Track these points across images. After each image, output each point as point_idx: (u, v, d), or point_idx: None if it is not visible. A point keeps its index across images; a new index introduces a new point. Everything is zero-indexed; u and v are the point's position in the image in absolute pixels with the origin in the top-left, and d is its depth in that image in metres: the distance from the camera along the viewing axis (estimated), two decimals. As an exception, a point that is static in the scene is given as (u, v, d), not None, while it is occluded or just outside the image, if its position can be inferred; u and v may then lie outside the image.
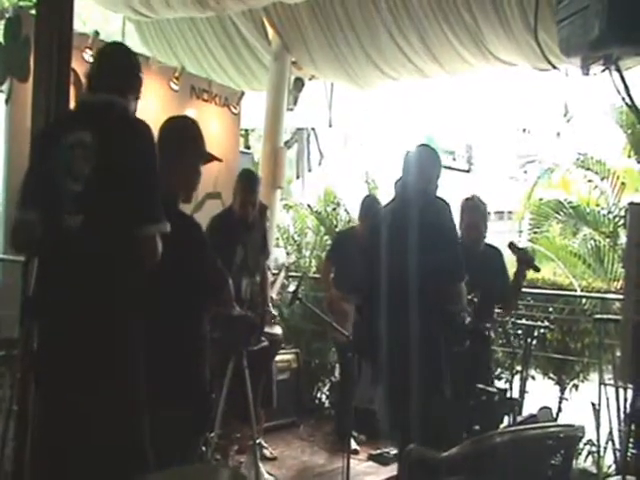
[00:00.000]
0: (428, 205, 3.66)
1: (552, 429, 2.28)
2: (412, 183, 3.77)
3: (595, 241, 5.72)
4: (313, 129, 9.93)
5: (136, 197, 2.39)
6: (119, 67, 2.61)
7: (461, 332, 3.66)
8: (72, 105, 3.11)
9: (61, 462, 2.37)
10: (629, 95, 2.08)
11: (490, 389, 3.38)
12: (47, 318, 2.49)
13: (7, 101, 4.81)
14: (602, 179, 5.79)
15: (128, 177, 2.38)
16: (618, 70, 2.07)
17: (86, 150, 2.38)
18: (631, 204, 3.09)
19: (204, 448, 3.64)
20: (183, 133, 2.89)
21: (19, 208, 2.53)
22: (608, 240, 5.67)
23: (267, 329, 4.32)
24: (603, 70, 2.08)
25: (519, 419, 3.50)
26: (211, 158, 2.99)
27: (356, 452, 5.12)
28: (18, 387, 3.09)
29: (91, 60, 2.70)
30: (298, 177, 10.89)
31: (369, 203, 5.63)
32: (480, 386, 3.33)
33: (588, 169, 5.89)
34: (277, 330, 4.75)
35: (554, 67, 3.94)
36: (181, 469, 2.01)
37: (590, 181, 5.96)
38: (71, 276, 2.39)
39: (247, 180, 4.56)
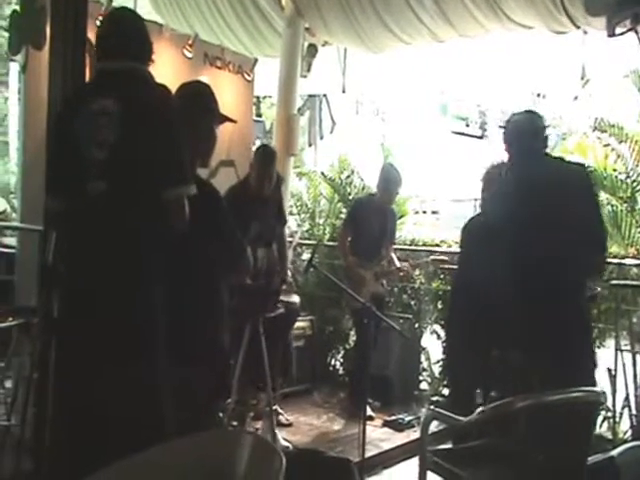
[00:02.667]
0: (563, 170, 3.42)
1: (573, 394, 2.27)
2: (532, 150, 3.45)
3: (612, 206, 5.65)
4: (325, 96, 9.85)
5: (163, 161, 2.39)
6: (132, 33, 2.59)
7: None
8: (88, 73, 3.11)
9: (81, 428, 2.40)
10: (654, 56, 2.03)
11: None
12: (69, 286, 2.50)
13: (23, 69, 4.81)
14: (620, 143, 5.71)
15: (154, 142, 2.38)
16: (644, 30, 2.02)
17: (110, 118, 2.38)
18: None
19: (221, 414, 3.68)
20: (196, 96, 2.89)
21: (48, 195, 2.61)
22: (625, 205, 5.60)
23: (284, 297, 4.33)
24: (628, 30, 2.03)
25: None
26: (225, 119, 2.99)
27: (371, 418, 5.15)
28: (38, 354, 3.12)
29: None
30: (310, 145, 10.85)
31: (388, 170, 5.62)
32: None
33: (605, 132, 5.81)
34: (294, 298, 4.75)
35: (576, 26, 3.85)
36: (203, 434, 2.02)
37: (607, 145, 5.87)
38: (96, 244, 2.40)
39: (265, 155, 4.57)
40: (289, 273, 4.90)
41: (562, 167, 3.46)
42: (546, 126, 3.59)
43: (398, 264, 5.63)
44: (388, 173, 5.56)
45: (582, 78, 5.55)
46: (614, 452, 3.17)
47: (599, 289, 4.30)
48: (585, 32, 4.81)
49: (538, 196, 3.22)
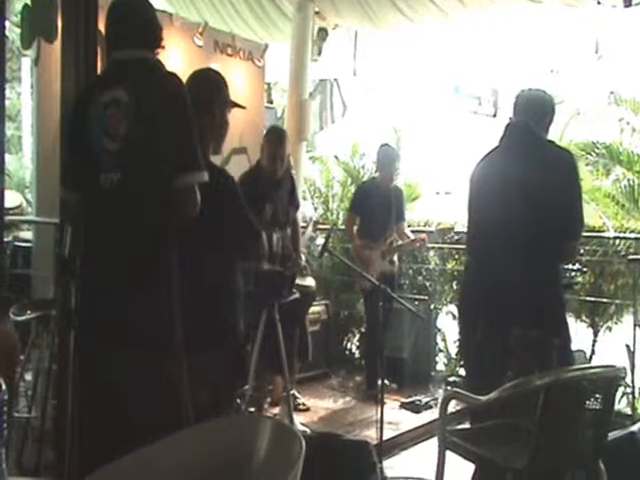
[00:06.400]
0: (548, 154, 3.33)
1: (592, 370, 2.27)
2: (523, 129, 3.37)
3: (628, 180, 5.60)
4: (336, 80, 9.81)
5: (173, 149, 2.39)
6: (139, 19, 2.58)
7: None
8: (100, 64, 3.12)
9: (101, 418, 2.42)
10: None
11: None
12: (86, 277, 2.52)
13: (36, 63, 4.83)
14: (636, 116, 5.66)
15: (165, 130, 2.38)
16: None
17: (120, 108, 2.38)
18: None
19: (239, 401, 3.69)
20: (207, 83, 2.90)
21: (63, 187, 2.66)
22: (642, 179, 5.56)
23: (299, 281, 4.32)
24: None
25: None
26: (234, 105, 2.99)
27: (387, 400, 5.15)
28: (58, 347, 3.14)
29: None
30: (322, 129, 10.83)
31: (385, 152, 5.63)
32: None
33: (620, 106, 5.75)
34: (309, 282, 4.74)
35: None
36: (223, 420, 2.04)
37: (621, 119, 5.82)
38: (111, 234, 2.41)
39: (275, 135, 4.55)
40: (303, 257, 4.88)
41: (548, 150, 3.38)
42: (550, 107, 3.45)
43: (412, 237, 5.63)
44: (385, 153, 5.60)
45: (596, 52, 5.49)
46: (634, 427, 3.16)
47: (579, 279, 4.25)
48: (599, 2, 4.75)
49: (517, 176, 3.18)
